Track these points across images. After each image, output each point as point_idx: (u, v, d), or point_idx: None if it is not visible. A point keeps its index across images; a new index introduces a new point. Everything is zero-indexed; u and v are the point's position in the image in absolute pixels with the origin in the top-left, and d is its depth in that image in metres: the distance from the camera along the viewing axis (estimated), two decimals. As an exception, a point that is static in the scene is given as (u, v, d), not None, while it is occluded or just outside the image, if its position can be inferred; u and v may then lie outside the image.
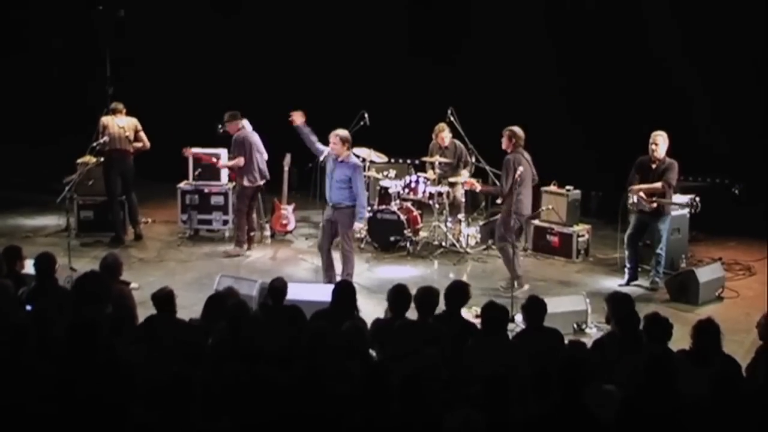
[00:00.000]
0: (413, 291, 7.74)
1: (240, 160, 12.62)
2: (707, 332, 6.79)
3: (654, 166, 11.37)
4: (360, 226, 11.11)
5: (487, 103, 14.90)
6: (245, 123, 12.86)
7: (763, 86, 13.88)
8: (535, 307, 7.57)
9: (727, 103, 14.14)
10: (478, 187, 11.34)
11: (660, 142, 11.32)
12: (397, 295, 7.67)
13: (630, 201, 11.57)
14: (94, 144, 12.58)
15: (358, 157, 11.76)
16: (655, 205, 11.32)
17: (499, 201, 11.48)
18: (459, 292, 7.82)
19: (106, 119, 12.87)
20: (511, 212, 11.03)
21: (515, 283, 11.04)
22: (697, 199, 11.70)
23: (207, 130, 13.97)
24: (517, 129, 11.17)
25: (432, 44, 15.76)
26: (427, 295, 7.60)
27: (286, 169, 13.44)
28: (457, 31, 15.73)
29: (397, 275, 11.78)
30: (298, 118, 11.29)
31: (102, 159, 13.02)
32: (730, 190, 14.42)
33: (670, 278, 11.47)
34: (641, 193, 11.32)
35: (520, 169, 10.90)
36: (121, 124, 12.88)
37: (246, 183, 12.77)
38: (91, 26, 15.74)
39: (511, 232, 11.10)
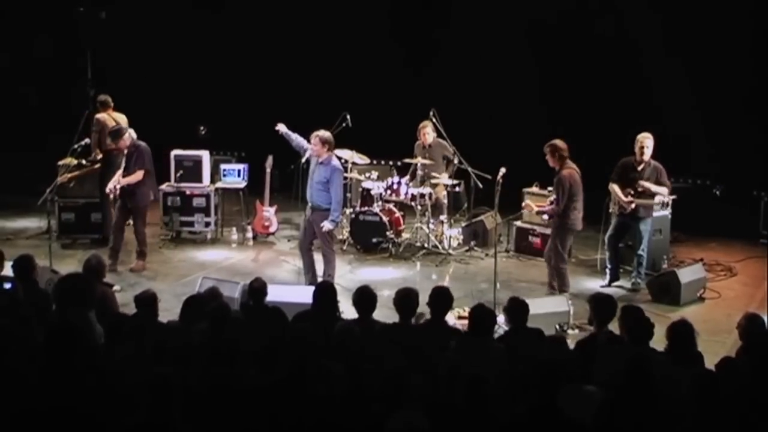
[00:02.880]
0: (393, 293, 7.74)
1: (140, 174, 11.79)
2: (681, 333, 6.82)
3: (640, 168, 11.41)
4: (329, 227, 10.86)
5: (468, 104, 14.98)
6: (132, 132, 12.22)
7: (744, 87, 13.98)
8: (517, 309, 7.57)
9: (709, 104, 14.21)
10: (534, 208, 11.14)
11: (650, 145, 11.35)
12: (362, 296, 7.67)
13: (611, 204, 11.65)
14: (75, 146, 12.52)
15: (340, 159, 11.74)
16: (633, 206, 11.35)
17: (546, 218, 11.31)
18: (444, 298, 7.77)
19: (102, 116, 12.83)
20: (566, 229, 10.83)
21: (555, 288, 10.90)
22: (669, 198, 11.77)
23: (188, 132, 14.01)
24: (558, 142, 10.84)
25: (415, 46, 15.79)
26: (407, 296, 7.59)
27: (267, 170, 13.44)
28: (439, 33, 15.76)
29: (380, 277, 11.82)
30: (281, 127, 11.28)
31: (99, 157, 12.97)
32: (711, 191, 14.49)
33: (651, 279, 11.51)
34: (621, 195, 11.34)
35: (577, 180, 10.76)
36: (118, 121, 12.85)
37: (152, 197, 12.28)
38: (73, 28, 15.67)
39: (567, 250, 10.91)
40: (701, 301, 11.35)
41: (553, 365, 5.84)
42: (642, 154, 11.36)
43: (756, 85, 13.89)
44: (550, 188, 12.78)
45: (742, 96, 14.04)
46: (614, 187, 11.48)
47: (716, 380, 5.89)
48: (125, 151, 11.91)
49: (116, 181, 11.89)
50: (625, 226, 11.62)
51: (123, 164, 11.92)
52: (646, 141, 11.37)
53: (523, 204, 11.13)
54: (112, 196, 12.02)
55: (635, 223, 11.53)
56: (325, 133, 10.90)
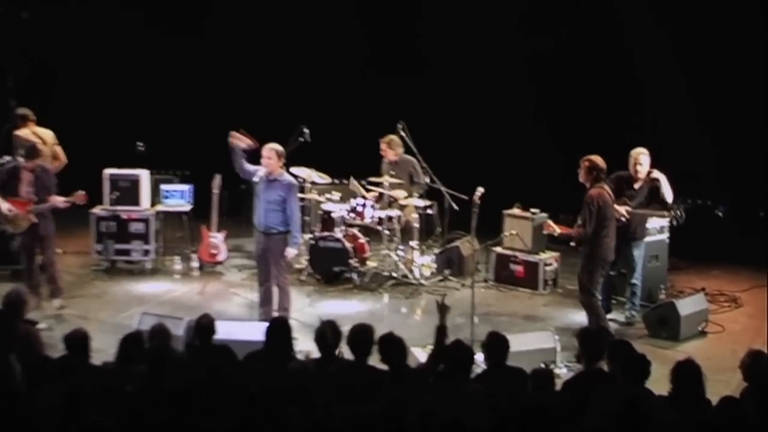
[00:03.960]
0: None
1: (60, 198, 11.50)
2: (687, 374, 6.84)
3: (638, 186, 11.49)
4: (294, 253, 11.02)
5: (442, 115, 15.01)
6: None
7: (749, 99, 14.11)
8: (496, 345, 7.58)
9: (711, 117, 14.32)
10: (557, 230, 11.01)
11: (644, 162, 11.45)
12: (323, 334, 7.66)
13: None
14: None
15: (294, 176, 11.74)
16: (627, 217, 11.26)
17: (572, 244, 11.13)
18: (395, 345, 7.64)
19: (23, 133, 12.69)
20: (596, 258, 10.63)
21: None
22: (679, 212, 11.65)
23: (125, 148, 13.92)
24: (597, 159, 10.64)
25: (383, 53, 15.80)
26: (361, 333, 7.56)
27: (215, 192, 13.39)
28: (410, 39, 15.78)
29: (343, 311, 11.80)
30: (242, 141, 10.96)
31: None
32: (713, 212, 14.59)
33: (647, 311, 11.57)
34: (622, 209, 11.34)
35: (608, 201, 10.61)
36: (43, 138, 12.72)
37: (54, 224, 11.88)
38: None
39: (597, 284, 10.74)
40: (703, 335, 11.42)
41: (539, 409, 5.86)
42: (637, 172, 11.45)
43: (762, 97, 14.02)
44: (534, 210, 12.89)
45: (747, 109, 14.17)
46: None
47: (721, 430, 5.92)
48: (32, 174, 11.50)
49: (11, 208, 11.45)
50: (617, 250, 11.64)
51: (24, 188, 11.46)
52: (641, 157, 11.47)
53: (545, 224, 11.04)
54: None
55: (627, 247, 11.56)
56: (279, 146, 10.92)
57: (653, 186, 11.51)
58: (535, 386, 7.19)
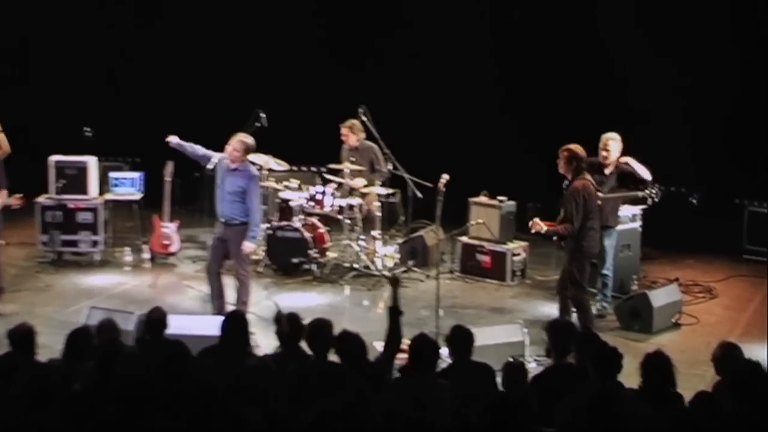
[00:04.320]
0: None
1: (5, 194, 11.45)
2: (657, 367, 6.88)
3: (608, 171, 11.54)
4: (252, 248, 11.01)
5: (404, 100, 15.00)
6: None
7: (725, 86, 14.19)
8: (461, 339, 7.60)
9: (686, 101, 14.40)
10: (544, 228, 10.85)
11: (612, 148, 11.49)
12: (279, 323, 7.65)
13: None
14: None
15: (254, 165, 11.69)
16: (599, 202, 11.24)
17: (555, 238, 11.06)
18: (354, 344, 7.49)
19: None
20: (582, 252, 10.55)
21: None
22: (654, 190, 11.64)
23: (71, 134, 13.83)
24: (577, 148, 10.55)
25: (344, 36, 15.79)
26: (320, 328, 7.55)
27: (167, 179, 13.32)
28: (373, 22, 15.77)
29: (302, 303, 11.78)
30: (173, 138, 11.19)
31: None
32: (687, 199, 14.66)
33: (619, 303, 11.64)
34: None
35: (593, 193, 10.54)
36: None
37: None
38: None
39: (587, 278, 10.68)
40: (677, 327, 11.50)
41: (506, 404, 5.87)
42: (605, 158, 11.50)
43: (738, 81, 14.12)
44: (501, 197, 12.91)
45: (723, 93, 14.25)
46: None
47: (696, 425, 5.96)
48: None
49: None
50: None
51: None
52: (610, 143, 11.52)
53: (531, 222, 10.94)
54: None
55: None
56: (251, 140, 10.93)
57: (623, 172, 11.56)
58: (506, 380, 7.20)
